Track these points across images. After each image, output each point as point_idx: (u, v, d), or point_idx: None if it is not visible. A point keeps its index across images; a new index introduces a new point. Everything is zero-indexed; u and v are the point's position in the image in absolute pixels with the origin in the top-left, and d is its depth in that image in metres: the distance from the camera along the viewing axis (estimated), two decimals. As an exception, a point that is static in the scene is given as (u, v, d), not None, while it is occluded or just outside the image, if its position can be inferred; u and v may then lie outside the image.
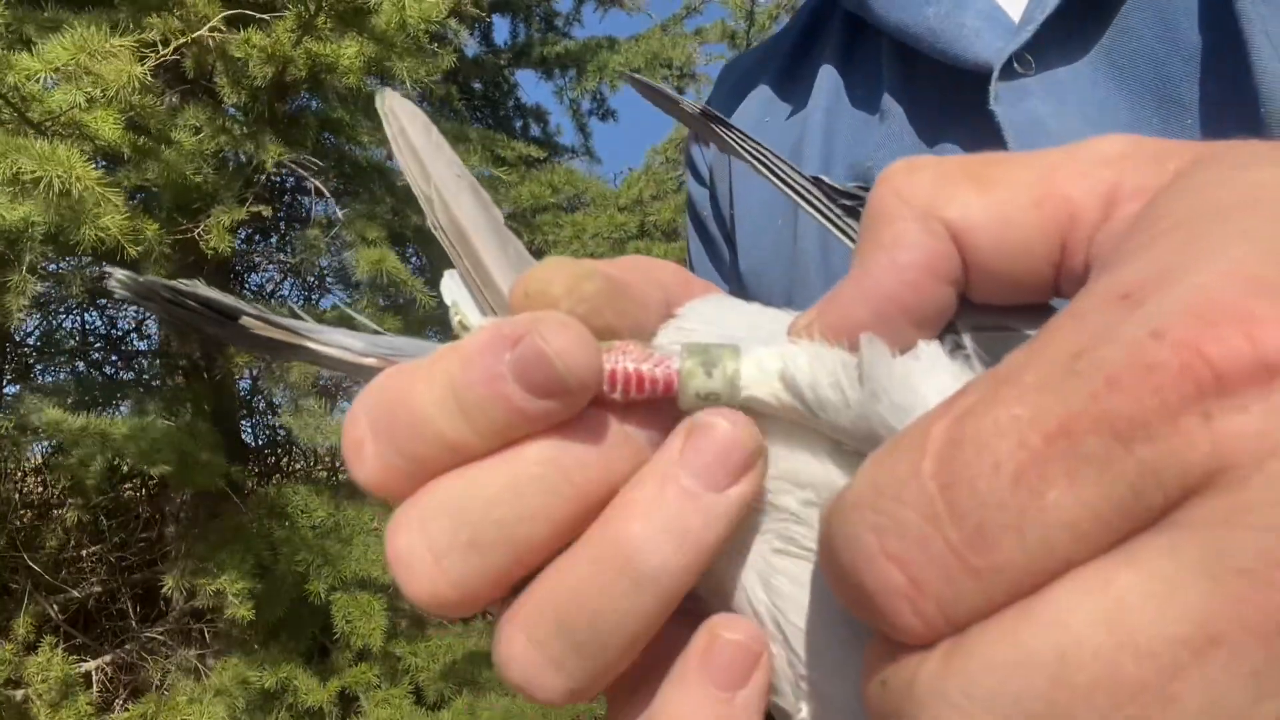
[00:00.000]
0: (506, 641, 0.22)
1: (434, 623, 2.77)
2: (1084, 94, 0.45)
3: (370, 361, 0.28)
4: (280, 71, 2.03)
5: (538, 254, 0.31)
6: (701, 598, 0.24)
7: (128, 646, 2.94)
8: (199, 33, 1.57)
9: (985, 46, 0.47)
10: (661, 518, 0.21)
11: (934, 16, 0.49)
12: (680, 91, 4.11)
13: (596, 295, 0.22)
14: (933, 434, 0.16)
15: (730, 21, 3.78)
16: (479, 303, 0.28)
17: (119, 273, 0.28)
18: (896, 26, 0.51)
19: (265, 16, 1.97)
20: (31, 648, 2.49)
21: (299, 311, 0.29)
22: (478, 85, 4.02)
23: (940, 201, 0.20)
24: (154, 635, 2.94)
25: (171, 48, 1.51)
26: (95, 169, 1.38)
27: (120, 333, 3.58)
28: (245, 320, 0.27)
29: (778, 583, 0.23)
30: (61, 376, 3.23)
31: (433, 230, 0.29)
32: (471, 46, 3.93)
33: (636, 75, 0.40)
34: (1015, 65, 0.46)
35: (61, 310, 3.23)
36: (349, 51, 2.00)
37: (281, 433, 3.79)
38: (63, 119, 1.42)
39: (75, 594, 3.00)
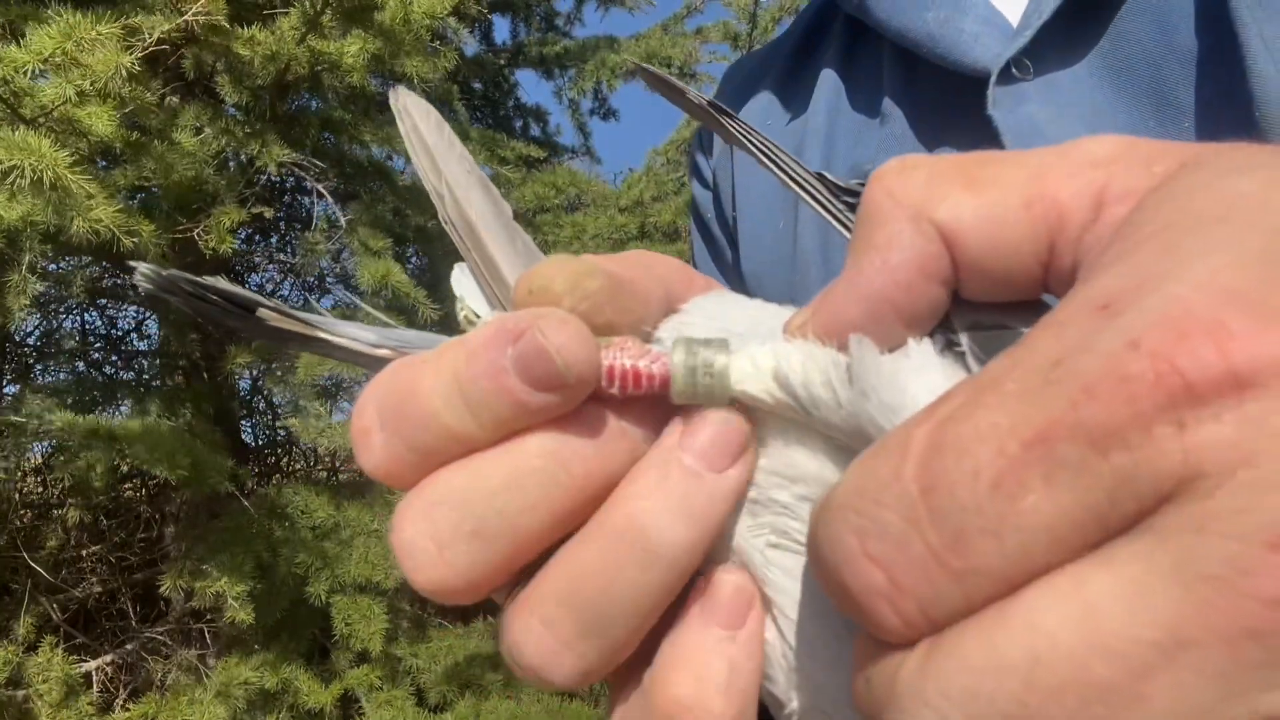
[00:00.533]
0: (519, 628, 0.23)
1: (434, 624, 2.77)
2: (1082, 97, 0.45)
3: (382, 353, 0.28)
4: (283, 70, 2.03)
5: (542, 251, 0.33)
6: None
7: (128, 647, 2.94)
8: (185, 16, 1.55)
9: (984, 51, 0.47)
10: (669, 496, 0.22)
11: (933, 21, 0.50)
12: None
13: (598, 292, 0.23)
14: (915, 438, 0.16)
15: (734, 21, 3.77)
16: (487, 296, 0.29)
17: (144, 266, 0.28)
18: (897, 31, 0.52)
19: (269, 12, 1.97)
20: (32, 648, 2.49)
21: (315, 305, 0.30)
22: (478, 85, 4.02)
23: (932, 202, 0.21)
24: (154, 635, 2.94)
25: (156, 34, 1.50)
26: (68, 156, 1.36)
27: (120, 333, 3.57)
28: (262, 312, 0.28)
29: (772, 575, 0.23)
30: (61, 376, 3.23)
31: (444, 225, 0.30)
32: (471, 46, 3.93)
33: (646, 66, 0.40)
34: (1013, 70, 0.46)
35: (61, 310, 3.22)
36: (352, 49, 2.00)
37: (281, 433, 3.79)
38: (55, 113, 1.42)
39: (76, 594, 3.00)
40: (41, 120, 1.41)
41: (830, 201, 0.29)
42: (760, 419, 0.23)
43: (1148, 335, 0.14)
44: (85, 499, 3.02)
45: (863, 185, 0.24)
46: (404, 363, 0.24)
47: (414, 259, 3.32)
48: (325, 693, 2.36)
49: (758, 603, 0.23)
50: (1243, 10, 0.39)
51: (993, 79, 0.46)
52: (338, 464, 4.04)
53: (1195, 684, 0.14)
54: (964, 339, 0.22)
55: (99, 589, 3.09)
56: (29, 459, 3.35)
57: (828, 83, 0.59)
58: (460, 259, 0.30)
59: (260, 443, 3.79)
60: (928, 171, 0.21)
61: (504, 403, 0.21)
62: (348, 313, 2.28)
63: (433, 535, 0.22)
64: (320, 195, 2.46)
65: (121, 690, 2.93)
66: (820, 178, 0.29)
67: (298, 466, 4.03)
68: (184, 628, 2.92)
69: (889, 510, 0.16)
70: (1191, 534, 0.14)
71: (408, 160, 2.95)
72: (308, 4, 1.90)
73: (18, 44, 1.38)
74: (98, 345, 3.47)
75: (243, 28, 1.95)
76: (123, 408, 2.86)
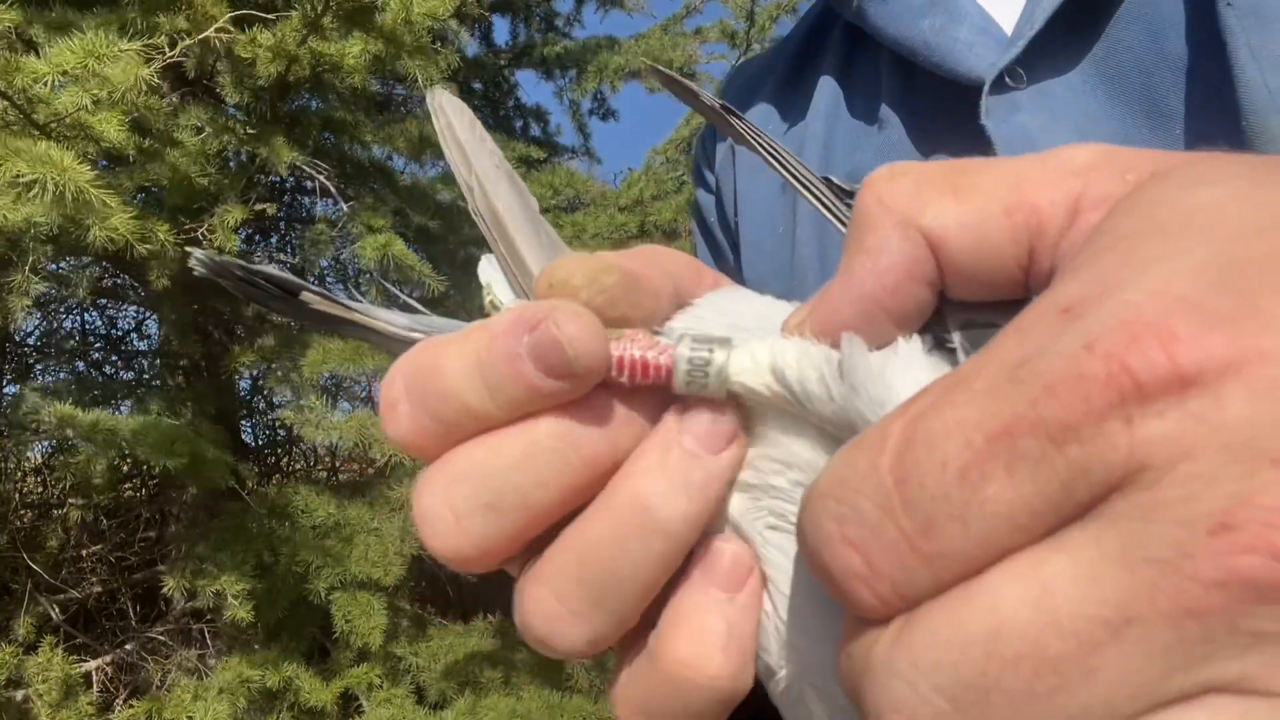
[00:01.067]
0: (531, 599, 0.25)
1: (435, 623, 2.77)
2: (1075, 105, 0.46)
3: (414, 336, 0.30)
4: (284, 71, 2.03)
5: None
6: None
7: (128, 646, 2.94)
8: (206, 33, 1.57)
9: (978, 60, 0.48)
10: (670, 474, 0.24)
11: (929, 30, 0.50)
12: (680, 92, 4.09)
13: (614, 287, 0.25)
14: (891, 433, 0.18)
15: (731, 20, 3.77)
16: (512, 285, 0.31)
17: (198, 253, 0.31)
18: (893, 39, 0.52)
19: (271, 16, 1.97)
20: (32, 648, 2.49)
21: (354, 293, 0.32)
22: (478, 85, 4.02)
23: (918, 209, 0.22)
24: (154, 635, 2.94)
25: (178, 49, 1.51)
26: (90, 170, 1.37)
27: (120, 333, 3.57)
28: (305, 296, 0.31)
29: (769, 554, 0.25)
30: (61, 376, 3.23)
31: (473, 216, 0.31)
32: (471, 46, 3.93)
33: (660, 68, 0.41)
34: (1006, 79, 0.47)
35: (62, 310, 3.23)
36: (353, 50, 2.00)
37: (282, 433, 3.79)
38: (68, 120, 1.43)
39: (76, 594, 3.00)
40: (54, 126, 1.41)
41: (834, 204, 0.30)
42: (760, 411, 0.25)
43: (1102, 338, 0.16)
44: (85, 499, 3.02)
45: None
46: (431, 342, 0.25)
47: (418, 253, 3.32)
48: (326, 691, 2.36)
49: (755, 569, 0.25)
50: (1231, 19, 0.40)
51: (985, 89, 0.47)
52: (338, 463, 4.05)
53: (1141, 658, 0.15)
54: (957, 337, 0.23)
55: (99, 589, 3.09)
56: (29, 459, 3.35)
57: (827, 89, 0.59)
58: (488, 250, 0.32)
59: (260, 442, 3.79)
60: (915, 179, 0.22)
61: (519, 386, 0.23)
62: (389, 278, 2.28)
63: (451, 506, 0.24)
64: (325, 193, 2.46)
65: (121, 690, 2.92)
66: (826, 181, 0.31)
67: (298, 466, 4.03)
68: (184, 628, 2.92)
69: (866, 499, 0.18)
70: (1138, 521, 0.15)
71: (408, 160, 2.96)
72: (308, 6, 1.91)
73: (36, 54, 1.39)
74: (98, 345, 3.47)
75: (244, 30, 1.95)
76: (123, 408, 2.86)
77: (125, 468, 3.12)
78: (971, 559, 0.17)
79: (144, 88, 1.44)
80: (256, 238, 3.61)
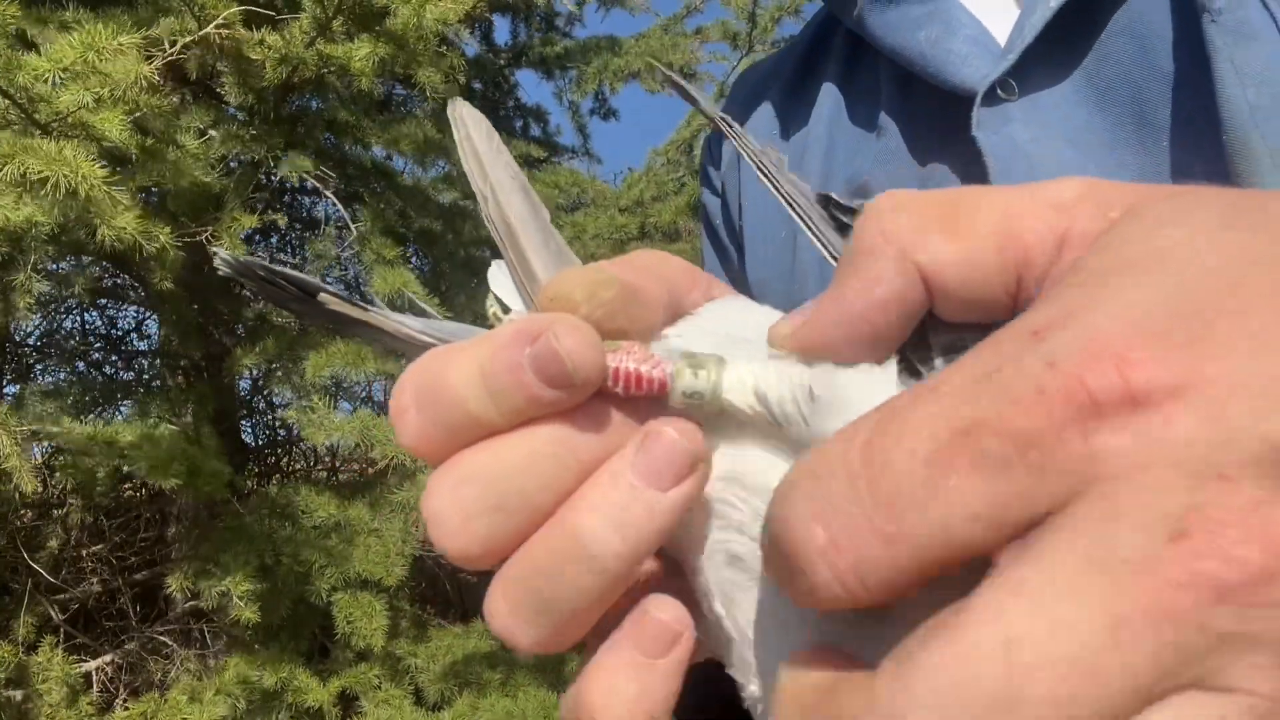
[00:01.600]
0: (491, 600, 0.26)
1: (434, 624, 2.77)
2: (1066, 116, 0.47)
3: (425, 340, 0.32)
4: (290, 73, 2.03)
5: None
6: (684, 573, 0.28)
7: (128, 646, 2.94)
8: (207, 29, 1.56)
9: (971, 72, 0.49)
10: (609, 511, 0.24)
11: (925, 41, 0.51)
12: (681, 92, 4.09)
13: (612, 301, 0.26)
14: (863, 425, 0.19)
15: (733, 21, 3.77)
16: (520, 292, 0.33)
17: (223, 252, 0.33)
18: (891, 48, 0.53)
19: (280, 17, 1.97)
20: (32, 648, 2.49)
21: (372, 297, 0.34)
22: (478, 85, 4.02)
23: (917, 246, 0.23)
24: (155, 635, 2.94)
25: (178, 45, 1.50)
26: (101, 168, 1.37)
27: (120, 333, 3.57)
28: (323, 297, 0.32)
29: (736, 576, 0.26)
30: (61, 376, 3.23)
31: (486, 224, 0.33)
32: (471, 46, 3.93)
33: (665, 69, 0.42)
34: (999, 91, 0.48)
35: (62, 310, 3.22)
36: (360, 53, 2.00)
37: (282, 433, 3.79)
38: (69, 119, 1.42)
39: (76, 594, 3.00)
40: (55, 125, 1.41)
41: (818, 226, 0.31)
42: (738, 433, 0.26)
43: (1065, 358, 0.17)
44: (86, 499, 3.01)
45: (862, 205, 0.26)
46: (439, 351, 0.26)
47: (414, 259, 3.32)
48: (324, 691, 2.36)
49: (685, 636, 0.26)
50: (1215, 35, 0.40)
51: (977, 101, 0.48)
52: (338, 463, 4.05)
53: (1137, 659, 0.15)
54: (938, 362, 0.24)
55: (99, 589, 3.09)
56: (28, 459, 3.34)
57: (829, 96, 0.60)
58: (497, 255, 0.33)
59: (261, 443, 3.79)
60: (915, 214, 0.24)
61: (521, 395, 0.24)
62: (397, 304, 2.29)
63: (459, 508, 0.25)
64: (333, 204, 2.46)
65: (122, 690, 2.92)
66: (825, 199, 0.31)
67: (298, 466, 4.03)
68: (184, 627, 2.92)
69: (835, 480, 0.19)
70: (1103, 525, 0.16)
71: (409, 161, 2.96)
72: (319, 9, 1.91)
73: (37, 52, 1.39)
74: (98, 345, 3.47)
75: (253, 31, 1.95)
76: (123, 409, 2.86)
77: (126, 468, 3.12)
78: (930, 548, 0.18)
79: (145, 85, 1.44)
80: (258, 239, 3.61)
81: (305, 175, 2.36)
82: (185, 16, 1.56)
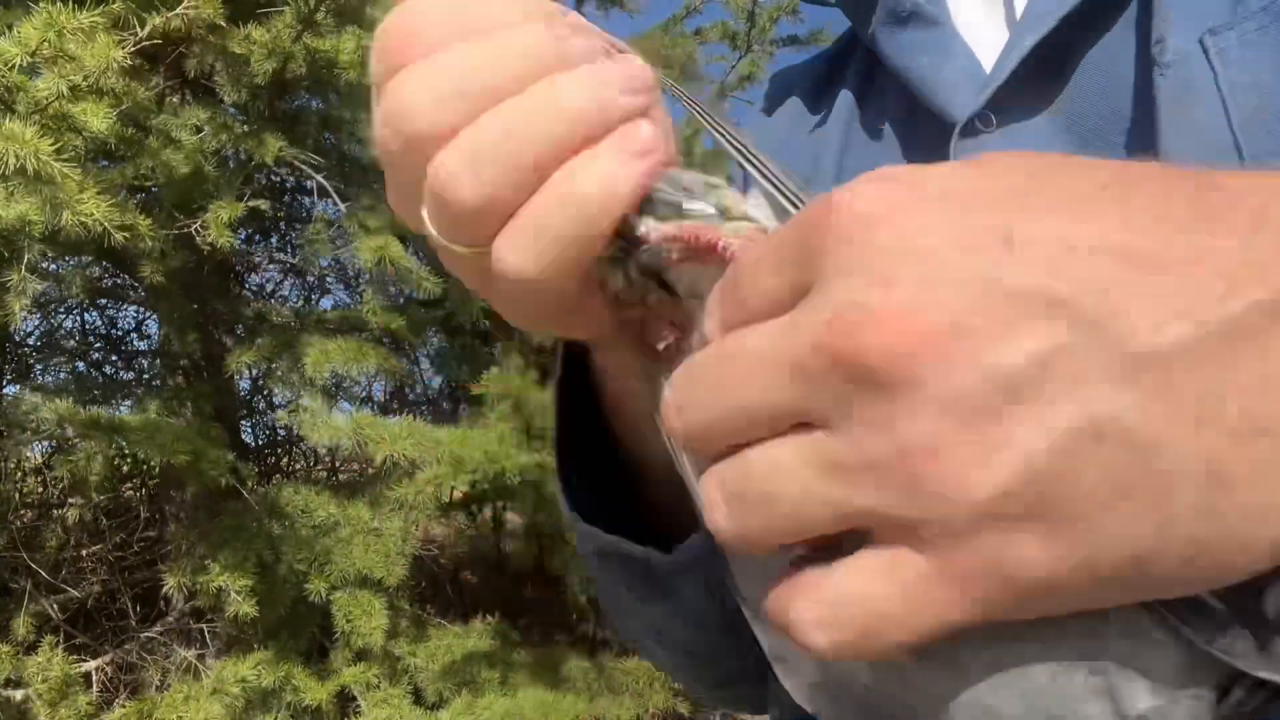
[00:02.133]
0: (440, 162, 0.28)
1: (434, 623, 2.76)
2: (1039, 147, 0.48)
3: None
4: (281, 68, 2.03)
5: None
6: None
7: (128, 646, 2.94)
8: (178, 10, 1.55)
9: (958, 102, 0.51)
10: (585, 78, 0.29)
11: (923, 66, 0.54)
12: (681, 91, 4.08)
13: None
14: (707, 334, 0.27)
15: (732, 22, 3.77)
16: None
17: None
18: (897, 69, 0.55)
19: (265, 10, 1.96)
20: (31, 648, 2.49)
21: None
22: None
23: None
24: (154, 635, 2.94)
25: (147, 29, 1.50)
26: (51, 143, 1.35)
27: (120, 333, 3.58)
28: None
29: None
30: (61, 376, 3.23)
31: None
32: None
33: (664, 79, 0.44)
34: (977, 123, 0.50)
35: (61, 310, 3.23)
36: (348, 46, 2.00)
37: (282, 433, 3.79)
38: (49, 110, 1.42)
39: (75, 594, 3.00)
40: (37, 117, 1.41)
41: (771, 172, 0.33)
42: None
43: (838, 314, 0.22)
44: (85, 499, 3.02)
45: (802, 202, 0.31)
46: None
47: (415, 258, 3.32)
48: (321, 689, 2.35)
49: (658, 154, 0.29)
50: (1162, 88, 0.42)
51: (955, 132, 0.50)
52: (338, 463, 4.05)
53: (783, 378, 0.24)
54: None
55: (99, 589, 3.09)
56: (29, 459, 3.35)
57: (845, 103, 0.63)
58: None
59: (260, 442, 3.79)
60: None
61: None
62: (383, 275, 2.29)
63: (429, 91, 0.29)
64: (325, 193, 2.46)
65: (122, 690, 2.92)
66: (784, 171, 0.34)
67: (298, 466, 4.03)
68: (184, 627, 2.92)
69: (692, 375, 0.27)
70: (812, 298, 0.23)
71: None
72: (302, 2, 1.91)
73: (5, 38, 1.38)
74: (98, 345, 3.48)
75: (239, 26, 1.95)
76: (123, 408, 2.86)
77: (125, 467, 3.12)
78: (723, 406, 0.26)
79: (117, 69, 1.43)
80: (256, 237, 3.62)
81: (301, 170, 2.35)
82: (173, 18, 1.55)
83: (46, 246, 2.02)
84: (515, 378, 2.49)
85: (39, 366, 3.24)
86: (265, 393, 3.52)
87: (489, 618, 2.81)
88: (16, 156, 1.28)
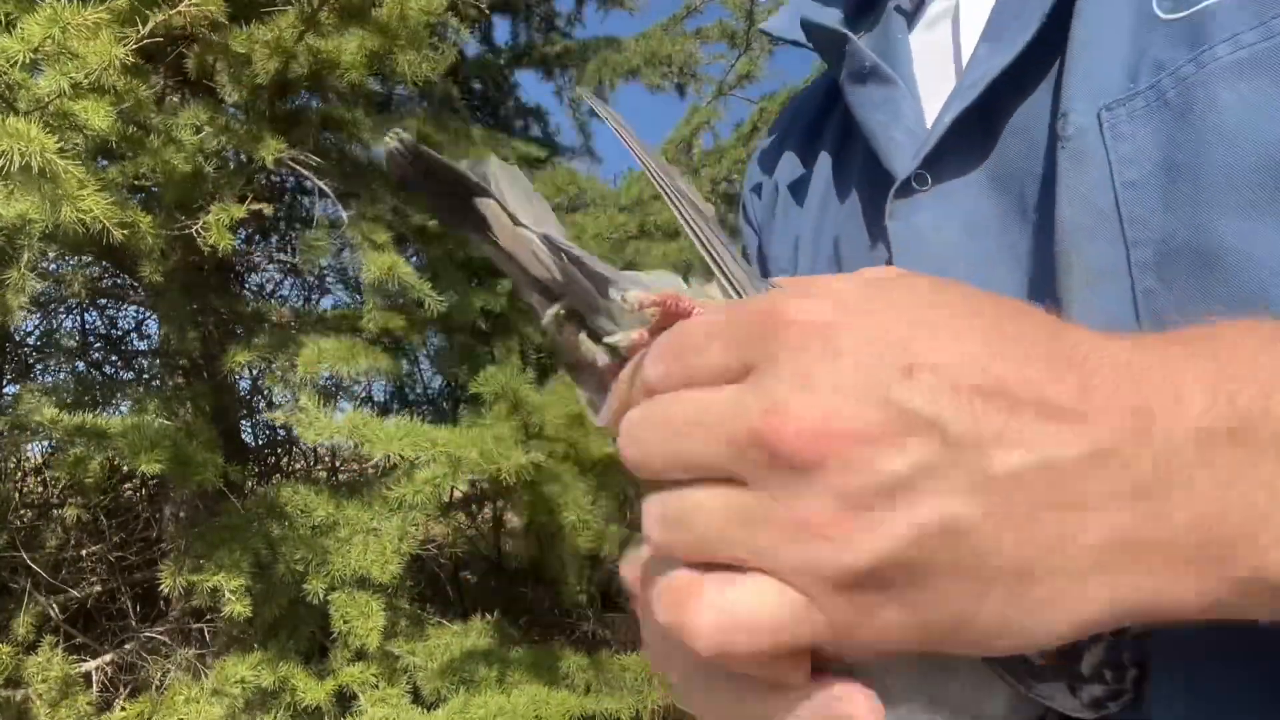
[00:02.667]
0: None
1: (433, 622, 2.76)
2: (968, 204, 0.51)
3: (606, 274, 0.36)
4: (283, 68, 2.03)
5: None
6: None
7: (128, 646, 2.94)
8: (180, 5, 1.55)
9: (902, 162, 0.53)
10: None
11: (877, 124, 0.56)
12: (681, 92, 4.10)
13: None
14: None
15: (730, 20, 3.77)
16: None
17: (399, 134, 0.33)
18: (860, 123, 0.58)
19: (267, 9, 1.96)
20: (31, 647, 2.49)
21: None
22: (478, 85, 4.02)
23: None
24: (154, 635, 2.94)
25: (149, 26, 1.49)
26: (55, 140, 1.35)
27: (120, 333, 3.58)
28: (484, 203, 0.34)
29: None
30: (61, 376, 3.23)
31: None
32: (472, 46, 3.93)
33: (593, 98, 0.46)
34: (913, 183, 0.52)
35: (61, 310, 3.23)
36: (350, 47, 2.00)
37: (281, 433, 3.79)
38: (50, 107, 1.42)
39: (75, 594, 3.00)
40: (38, 114, 1.40)
41: (704, 233, 0.36)
42: None
43: (770, 408, 0.28)
44: (84, 498, 3.02)
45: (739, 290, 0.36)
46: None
47: (415, 258, 3.32)
48: (321, 689, 2.35)
49: None
50: (1061, 159, 0.45)
51: (891, 194, 0.53)
52: (338, 463, 4.05)
53: (719, 441, 0.29)
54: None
55: (98, 589, 3.09)
56: (29, 459, 3.35)
57: (823, 168, 0.66)
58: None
59: (260, 442, 3.79)
60: None
61: None
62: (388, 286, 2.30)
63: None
64: (323, 194, 2.46)
65: (121, 690, 2.92)
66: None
67: (298, 466, 4.03)
68: (184, 627, 2.92)
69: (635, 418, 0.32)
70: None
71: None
72: (305, 2, 1.90)
73: (9, 34, 1.38)
74: (98, 345, 3.48)
75: (241, 25, 1.95)
76: (122, 408, 2.86)
77: (125, 468, 3.12)
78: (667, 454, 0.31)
79: (119, 67, 1.43)
80: (257, 239, 3.62)
81: (302, 171, 2.35)
82: (173, 13, 1.55)
83: (46, 245, 2.02)
84: (512, 377, 2.48)
85: (39, 366, 3.24)
86: (265, 392, 3.52)
87: (487, 616, 2.81)
88: (21, 154, 1.28)
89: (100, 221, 1.37)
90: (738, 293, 0.35)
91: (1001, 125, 0.51)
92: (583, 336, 0.36)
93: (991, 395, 0.27)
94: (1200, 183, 0.40)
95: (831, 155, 0.65)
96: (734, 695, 0.32)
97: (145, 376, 3.30)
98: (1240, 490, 0.27)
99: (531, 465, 2.23)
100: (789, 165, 0.70)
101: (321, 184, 2.23)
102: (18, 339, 3.12)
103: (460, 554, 3.78)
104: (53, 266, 2.75)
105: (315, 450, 3.99)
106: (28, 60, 1.37)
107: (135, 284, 2.84)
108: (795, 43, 0.66)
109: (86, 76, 1.41)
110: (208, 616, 2.80)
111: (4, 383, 3.08)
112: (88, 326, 3.47)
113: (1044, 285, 0.46)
